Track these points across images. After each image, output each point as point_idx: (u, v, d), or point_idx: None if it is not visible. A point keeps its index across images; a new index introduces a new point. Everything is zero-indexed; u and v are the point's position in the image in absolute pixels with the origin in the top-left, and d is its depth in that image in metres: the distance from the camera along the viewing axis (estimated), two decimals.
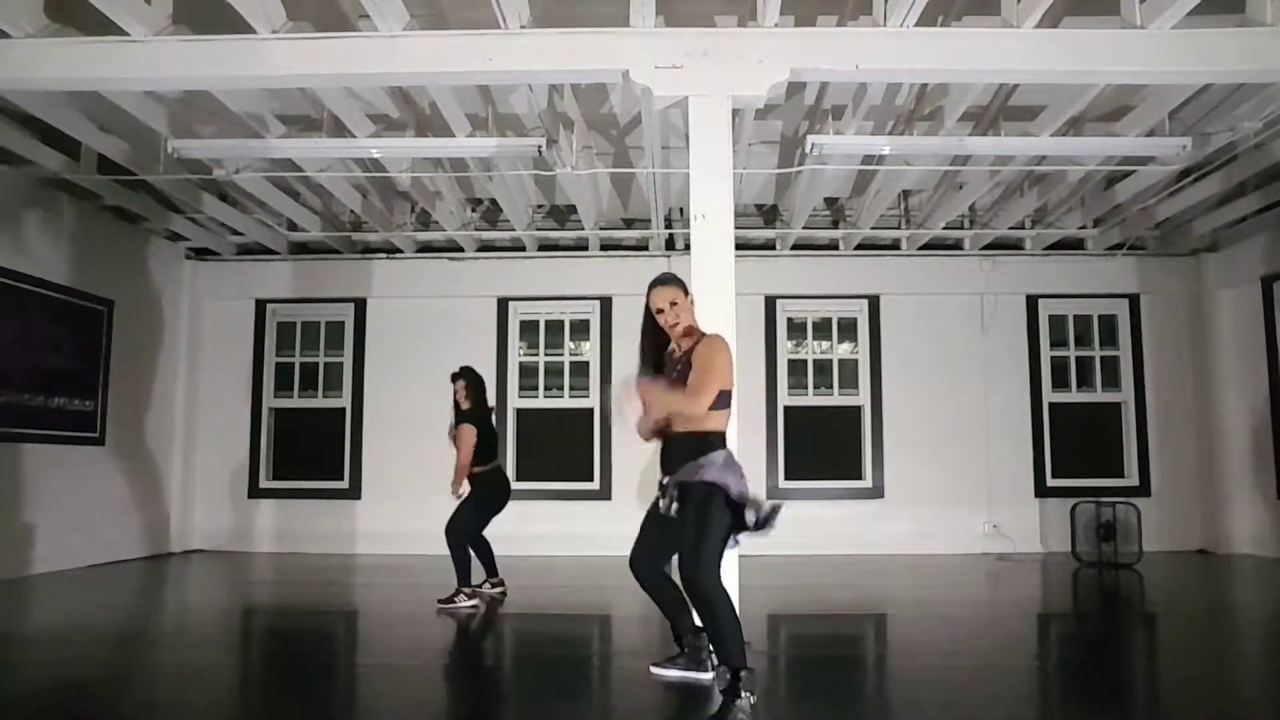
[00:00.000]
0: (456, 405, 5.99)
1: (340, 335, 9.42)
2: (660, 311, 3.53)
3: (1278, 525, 8.22)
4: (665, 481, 3.46)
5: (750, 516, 3.27)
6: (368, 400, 9.23)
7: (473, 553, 5.92)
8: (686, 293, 3.59)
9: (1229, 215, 8.14)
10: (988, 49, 4.95)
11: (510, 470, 9.07)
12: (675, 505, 3.37)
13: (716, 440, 3.43)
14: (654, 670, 3.76)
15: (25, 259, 7.13)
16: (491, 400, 6.28)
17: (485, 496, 5.92)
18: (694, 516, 3.29)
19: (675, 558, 3.46)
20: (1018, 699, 3.70)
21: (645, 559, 3.59)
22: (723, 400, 3.43)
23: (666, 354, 3.64)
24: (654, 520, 3.57)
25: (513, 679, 4.32)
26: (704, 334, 3.56)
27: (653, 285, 3.59)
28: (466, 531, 5.83)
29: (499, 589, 6.03)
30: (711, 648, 3.39)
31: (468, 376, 6.03)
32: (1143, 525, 7.79)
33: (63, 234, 7.57)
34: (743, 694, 3.09)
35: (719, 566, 3.27)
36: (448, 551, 5.76)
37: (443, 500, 5.89)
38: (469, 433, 5.83)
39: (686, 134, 4.93)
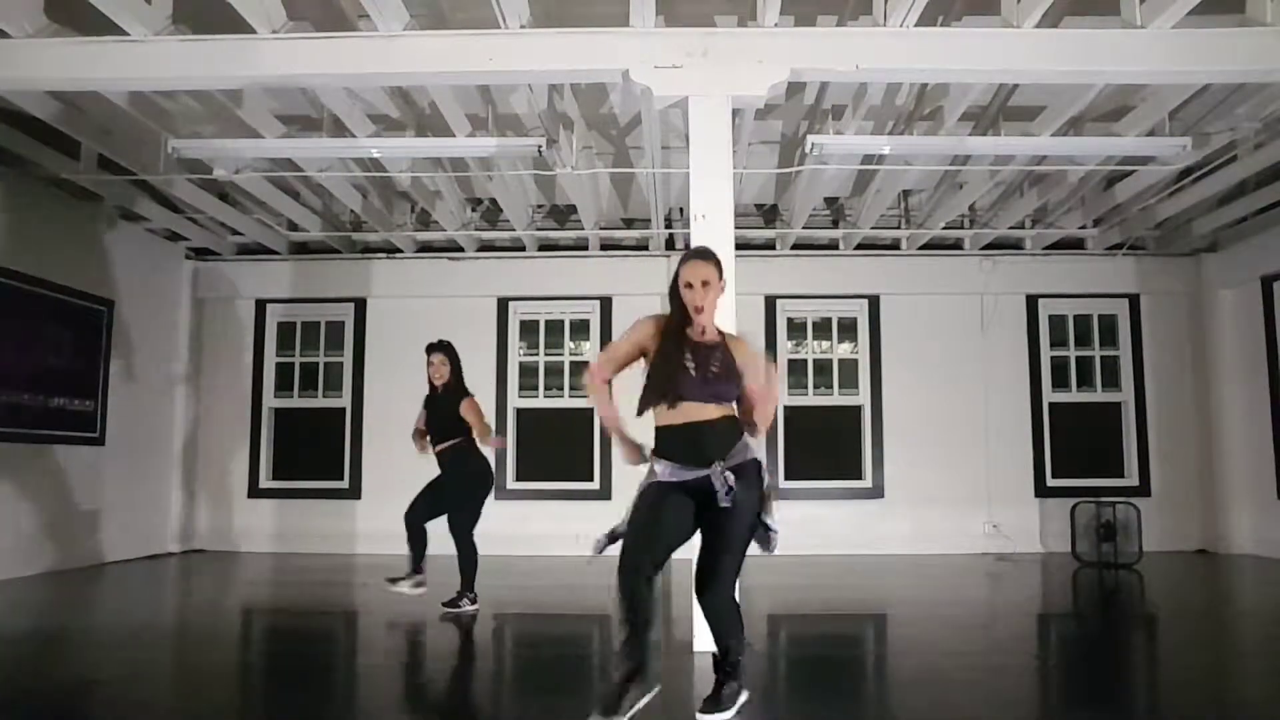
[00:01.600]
0: (431, 383, 5.63)
1: (340, 335, 9.42)
2: (689, 287, 3.17)
3: (1278, 525, 8.22)
4: (719, 470, 3.05)
5: (772, 513, 3.13)
6: (367, 400, 9.22)
7: (408, 539, 5.57)
8: (721, 277, 3.24)
9: (1229, 215, 8.15)
10: (988, 49, 4.96)
11: (510, 470, 9.09)
12: (729, 493, 3.02)
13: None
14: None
15: (25, 259, 7.13)
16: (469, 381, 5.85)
17: (471, 476, 5.57)
18: (752, 501, 3.08)
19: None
20: (1018, 699, 3.70)
21: (646, 564, 3.05)
22: None
23: (687, 332, 3.25)
24: (667, 521, 3.10)
25: (513, 679, 4.33)
26: (727, 334, 3.32)
27: (690, 257, 3.24)
28: (472, 522, 5.54)
29: (419, 588, 5.53)
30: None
31: (448, 351, 5.66)
32: (1143, 525, 7.78)
33: (63, 234, 7.56)
34: (735, 680, 3.15)
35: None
36: (454, 553, 5.56)
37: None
38: (476, 404, 5.54)
39: (686, 134, 4.93)
